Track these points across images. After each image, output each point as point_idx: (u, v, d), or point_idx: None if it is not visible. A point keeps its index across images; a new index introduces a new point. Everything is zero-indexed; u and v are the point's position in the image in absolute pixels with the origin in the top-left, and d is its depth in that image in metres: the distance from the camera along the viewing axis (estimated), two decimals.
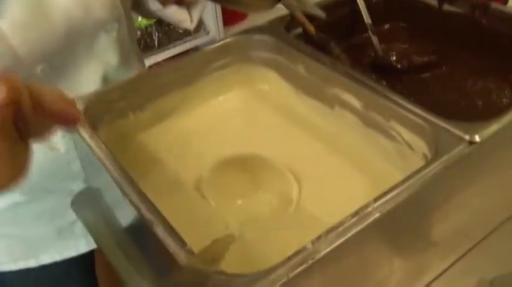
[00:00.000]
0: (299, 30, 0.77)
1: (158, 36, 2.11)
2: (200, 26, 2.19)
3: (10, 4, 0.57)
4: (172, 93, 0.70)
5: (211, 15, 2.14)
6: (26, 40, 0.59)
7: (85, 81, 0.69)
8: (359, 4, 0.82)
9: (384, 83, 0.75)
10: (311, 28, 0.75)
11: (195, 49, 2.33)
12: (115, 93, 0.65)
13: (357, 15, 0.83)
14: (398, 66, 0.76)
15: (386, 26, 0.87)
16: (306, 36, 0.77)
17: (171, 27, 2.13)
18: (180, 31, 2.16)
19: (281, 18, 0.76)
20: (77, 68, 0.68)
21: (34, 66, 0.61)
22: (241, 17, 2.29)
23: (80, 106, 0.61)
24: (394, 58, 0.81)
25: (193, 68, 0.70)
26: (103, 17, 0.67)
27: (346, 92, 0.63)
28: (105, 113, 0.64)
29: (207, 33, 2.20)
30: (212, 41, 2.24)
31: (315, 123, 0.68)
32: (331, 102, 0.66)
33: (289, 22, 0.76)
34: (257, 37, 0.72)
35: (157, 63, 2.03)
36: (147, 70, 0.71)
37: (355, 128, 0.63)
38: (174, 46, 2.14)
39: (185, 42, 2.16)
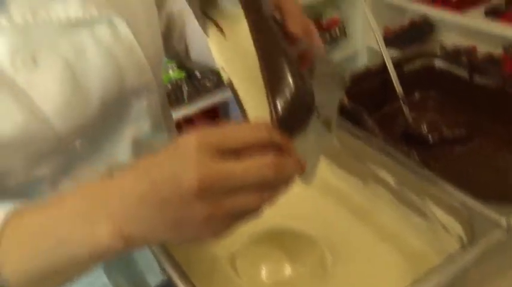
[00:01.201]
0: None
1: (188, 89, 2.16)
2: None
3: (53, 87, 0.59)
4: None
5: None
6: (66, 119, 0.61)
7: (117, 148, 0.71)
8: (390, 74, 0.84)
9: (415, 154, 0.75)
10: (344, 99, 0.77)
11: (224, 103, 2.38)
12: None
13: (388, 84, 0.84)
14: (430, 138, 0.77)
15: (417, 95, 0.89)
16: (339, 105, 0.79)
17: (201, 81, 2.18)
18: (209, 85, 2.20)
19: None
20: (109, 137, 0.70)
21: (72, 141, 0.64)
22: None
23: None
24: (425, 128, 0.81)
25: None
26: (135, 85, 0.69)
27: (380, 168, 0.64)
28: None
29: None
30: None
31: (348, 197, 0.69)
32: (365, 177, 0.66)
33: None
34: None
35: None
36: None
37: (389, 204, 0.63)
38: (203, 100, 2.19)
39: (214, 96, 2.20)
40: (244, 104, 0.49)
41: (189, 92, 2.17)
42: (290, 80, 0.43)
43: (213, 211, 0.38)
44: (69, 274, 0.45)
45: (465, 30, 2.15)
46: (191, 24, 0.79)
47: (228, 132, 0.40)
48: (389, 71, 0.83)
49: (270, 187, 0.40)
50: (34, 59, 0.58)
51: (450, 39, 2.34)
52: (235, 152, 0.39)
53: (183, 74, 2.12)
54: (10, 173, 0.61)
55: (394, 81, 0.83)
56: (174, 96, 2.14)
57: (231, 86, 0.49)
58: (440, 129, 0.80)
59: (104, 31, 0.63)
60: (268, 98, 0.43)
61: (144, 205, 0.40)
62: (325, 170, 0.72)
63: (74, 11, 0.60)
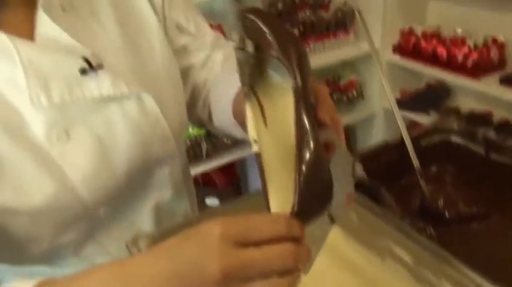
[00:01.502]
0: None
1: (206, 146, 2.21)
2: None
3: (83, 159, 0.63)
4: None
5: None
6: (93, 189, 0.64)
7: (139, 215, 0.74)
8: (408, 148, 0.86)
9: (432, 230, 0.76)
10: (363, 173, 0.79)
11: (241, 160, 2.41)
12: (177, 233, 0.68)
13: (405, 158, 0.87)
14: (447, 215, 0.78)
15: (434, 169, 0.91)
16: (356, 179, 0.81)
17: (219, 138, 2.23)
18: (227, 142, 2.25)
19: None
20: (132, 204, 0.73)
21: (97, 210, 0.67)
22: None
23: (144, 244, 0.65)
24: (442, 203, 0.83)
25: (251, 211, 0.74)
26: (159, 156, 0.72)
27: (397, 245, 0.65)
28: None
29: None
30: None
31: (365, 271, 0.70)
32: (382, 253, 0.68)
33: None
34: None
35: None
36: (212, 209, 0.75)
37: (405, 281, 0.64)
38: (221, 156, 2.22)
39: (232, 153, 2.24)
40: (267, 180, 0.51)
41: (207, 148, 2.21)
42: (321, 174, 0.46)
43: None
44: None
45: (481, 95, 2.18)
46: (216, 93, 0.83)
47: (250, 225, 0.42)
48: (407, 144, 0.85)
49: (287, 274, 0.42)
50: (67, 133, 0.62)
51: (466, 103, 2.38)
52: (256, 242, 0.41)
53: (202, 131, 2.17)
54: (37, 241, 0.64)
55: (411, 155, 0.85)
56: (192, 153, 2.18)
57: (258, 159, 0.51)
58: (457, 205, 0.81)
59: (132, 106, 0.67)
60: (296, 183, 0.45)
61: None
62: (343, 244, 0.73)
63: (106, 88, 0.63)
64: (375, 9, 2.35)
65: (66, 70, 0.60)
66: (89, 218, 0.67)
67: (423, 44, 2.26)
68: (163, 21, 0.77)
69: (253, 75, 0.56)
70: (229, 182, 2.35)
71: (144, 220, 0.75)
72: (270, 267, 0.41)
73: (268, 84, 0.57)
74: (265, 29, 0.51)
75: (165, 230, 0.70)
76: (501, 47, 2.10)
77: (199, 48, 0.83)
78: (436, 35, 2.27)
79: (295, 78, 0.49)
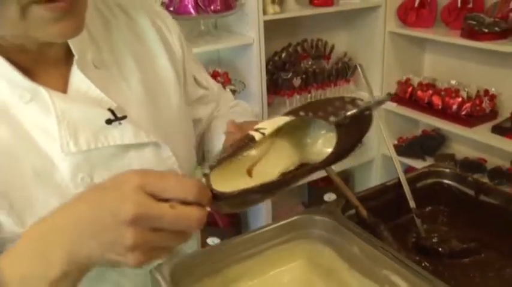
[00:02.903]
0: (353, 211, 0.89)
1: None
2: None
3: None
4: (240, 263, 0.80)
5: None
6: None
7: None
8: (404, 189, 0.94)
9: (427, 264, 0.84)
10: (364, 212, 0.87)
11: None
12: (196, 260, 0.76)
13: (402, 198, 0.95)
14: (440, 250, 0.85)
15: (429, 209, 0.99)
16: (358, 217, 0.89)
17: None
18: None
19: (337, 202, 0.88)
20: None
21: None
22: None
23: (166, 271, 0.72)
24: (436, 240, 0.90)
25: (261, 241, 0.82)
26: None
27: (395, 274, 0.72)
28: (186, 276, 0.74)
29: None
30: None
31: None
32: (381, 281, 0.75)
33: (345, 205, 0.88)
34: (316, 217, 0.84)
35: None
36: (223, 242, 0.82)
37: None
38: None
39: None
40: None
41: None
42: None
43: (139, 240, 0.47)
44: None
45: (474, 143, 2.28)
46: (214, 133, 0.92)
47: (166, 184, 0.49)
48: (404, 187, 0.94)
49: (188, 234, 0.51)
50: (91, 177, 0.68)
51: (460, 150, 2.48)
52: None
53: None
54: None
55: (407, 196, 0.94)
56: None
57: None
58: (450, 242, 0.88)
59: (150, 154, 0.75)
60: None
61: (88, 230, 0.49)
62: (346, 274, 0.81)
63: (128, 137, 0.70)
64: (374, 60, 2.49)
65: (93, 120, 0.67)
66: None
67: (419, 93, 2.37)
68: (183, 74, 0.87)
69: None
70: (230, 223, 2.41)
71: None
72: (177, 225, 0.49)
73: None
74: None
75: (186, 257, 0.78)
76: (493, 98, 2.22)
77: (210, 100, 0.94)
78: (432, 86, 2.39)
79: None
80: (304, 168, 0.65)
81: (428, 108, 2.35)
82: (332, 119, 0.65)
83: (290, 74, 2.28)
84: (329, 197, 2.64)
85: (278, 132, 0.65)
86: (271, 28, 2.10)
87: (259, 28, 2.04)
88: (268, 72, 2.22)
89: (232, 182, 0.56)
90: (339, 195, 0.92)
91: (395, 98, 2.50)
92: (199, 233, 0.96)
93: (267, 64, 2.22)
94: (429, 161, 2.43)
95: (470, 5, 2.22)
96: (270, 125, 0.63)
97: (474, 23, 2.07)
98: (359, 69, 1.03)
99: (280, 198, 2.48)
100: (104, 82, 0.71)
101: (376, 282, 0.76)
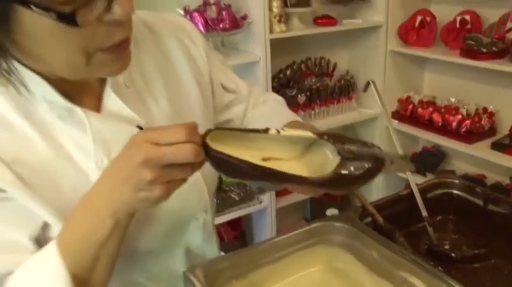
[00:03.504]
0: (369, 219, 0.94)
1: (216, 201, 2.32)
2: (253, 195, 2.40)
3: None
4: (264, 267, 0.85)
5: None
6: (137, 236, 0.75)
7: (173, 257, 0.85)
8: (416, 199, 0.99)
9: (441, 269, 0.88)
10: (380, 219, 0.92)
11: (247, 216, 2.52)
12: (225, 263, 0.81)
13: (414, 208, 1.00)
14: (453, 255, 0.90)
15: (439, 218, 1.04)
16: (374, 224, 0.94)
17: (228, 194, 2.35)
18: (236, 198, 2.37)
19: (355, 209, 0.93)
20: (167, 248, 0.84)
21: (136, 252, 0.78)
22: None
23: (200, 273, 0.77)
24: (447, 247, 0.95)
25: (283, 247, 0.87)
26: (196, 210, 0.84)
27: (413, 276, 0.77)
28: (217, 278, 0.79)
29: (260, 202, 2.40)
30: (264, 210, 2.44)
31: None
32: (399, 283, 0.79)
33: (362, 212, 0.93)
34: (336, 224, 0.89)
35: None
36: (250, 247, 0.86)
37: None
38: (230, 211, 2.33)
39: (240, 209, 2.35)
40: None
41: (217, 204, 2.32)
42: None
43: (155, 175, 0.57)
44: (104, 253, 0.63)
45: (474, 159, 2.34)
46: None
47: (163, 132, 0.59)
48: (416, 197, 0.99)
49: (189, 166, 0.60)
50: None
51: (460, 166, 2.53)
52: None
53: None
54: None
55: (420, 206, 0.99)
56: None
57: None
58: (461, 248, 0.93)
59: None
60: None
61: (116, 182, 0.60)
62: (364, 277, 0.85)
63: None
64: (376, 78, 2.54)
65: (124, 138, 0.68)
66: (129, 258, 0.77)
67: (420, 111, 2.44)
68: (211, 84, 0.90)
69: None
70: (235, 237, 2.45)
71: (177, 260, 0.86)
72: (177, 158, 0.58)
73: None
74: None
75: (217, 260, 0.82)
76: (491, 115, 2.28)
77: (240, 102, 0.96)
78: (432, 103, 2.45)
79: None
80: (294, 173, 0.66)
81: (428, 125, 2.41)
82: (338, 146, 0.67)
83: (295, 91, 2.34)
84: (331, 212, 2.68)
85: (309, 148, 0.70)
86: (276, 46, 2.16)
87: (265, 46, 2.11)
88: (273, 89, 2.28)
89: (228, 149, 0.62)
90: (341, 210, 0.97)
91: (397, 115, 2.56)
92: (217, 241, 1.00)
93: (272, 81, 2.28)
94: (430, 177, 2.48)
95: (468, 26, 2.30)
96: (292, 131, 0.68)
97: (473, 43, 2.15)
98: (372, 86, 1.09)
99: (282, 213, 2.52)
100: (133, 101, 0.75)
101: (394, 283, 0.81)
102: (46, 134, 0.67)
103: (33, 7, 0.53)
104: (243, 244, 2.49)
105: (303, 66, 2.48)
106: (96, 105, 0.72)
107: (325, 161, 0.68)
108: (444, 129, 2.35)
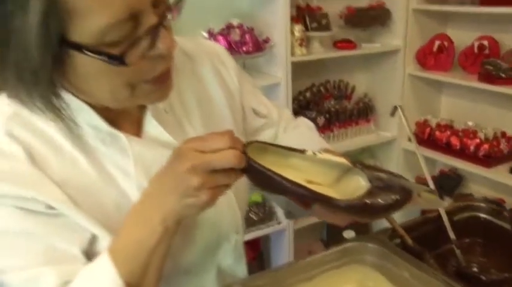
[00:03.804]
0: (398, 240, 0.97)
1: None
2: (272, 215, 2.42)
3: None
4: (300, 285, 0.87)
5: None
6: (173, 257, 0.76)
7: (205, 277, 0.87)
8: (444, 222, 1.01)
9: None
10: (409, 240, 0.94)
11: (266, 237, 2.53)
12: (261, 281, 0.83)
13: (442, 230, 1.02)
14: (483, 278, 0.92)
15: (467, 241, 1.05)
16: (403, 245, 0.96)
17: (247, 214, 2.37)
18: (255, 218, 2.38)
19: (385, 230, 0.96)
20: (202, 269, 0.86)
21: (180, 274, 0.80)
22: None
23: None
24: (476, 270, 0.97)
25: (316, 266, 0.89)
26: (229, 231, 0.86)
27: None
28: None
29: (279, 223, 2.41)
30: (282, 230, 2.46)
31: None
32: None
33: (391, 233, 0.95)
34: (368, 245, 0.91)
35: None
36: (285, 265, 0.88)
37: None
38: (249, 232, 2.35)
39: (258, 229, 2.37)
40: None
41: None
42: None
43: (201, 181, 0.60)
44: (154, 260, 0.66)
45: (492, 183, 2.35)
46: None
47: (206, 140, 0.63)
48: (443, 219, 1.01)
49: (233, 171, 0.63)
50: None
51: (478, 190, 2.54)
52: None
53: None
54: None
55: (447, 228, 1.01)
56: None
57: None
58: (489, 271, 0.95)
59: None
60: None
61: (165, 190, 0.64)
62: None
63: None
64: (393, 101, 2.58)
65: (163, 161, 0.71)
66: (166, 279, 0.77)
67: (437, 134, 2.46)
68: (242, 109, 0.93)
69: None
70: (253, 257, 2.46)
71: (208, 280, 0.88)
72: (222, 163, 0.61)
73: None
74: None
75: (254, 277, 0.85)
76: (510, 140, 2.30)
77: (270, 126, 0.99)
78: (450, 127, 2.47)
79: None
80: (328, 195, 0.68)
81: (446, 148, 2.43)
82: (369, 174, 0.69)
83: (314, 113, 2.37)
84: (348, 234, 2.67)
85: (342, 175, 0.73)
86: (296, 69, 2.21)
87: (287, 69, 2.15)
88: (293, 111, 2.31)
89: (266, 164, 0.65)
90: (358, 232, 0.99)
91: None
92: (245, 263, 1.02)
93: (292, 103, 2.32)
94: (447, 201, 2.49)
95: (486, 51, 2.33)
96: (328, 156, 0.71)
97: (491, 68, 2.18)
98: (399, 111, 1.12)
99: (299, 234, 2.53)
100: (171, 126, 0.79)
101: None
102: (91, 158, 0.71)
103: (86, 52, 0.57)
104: (260, 265, 2.50)
105: (322, 88, 2.52)
106: (136, 130, 0.76)
107: (356, 189, 0.69)
108: (462, 153, 2.36)
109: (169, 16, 0.63)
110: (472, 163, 2.32)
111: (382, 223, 0.95)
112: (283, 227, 2.43)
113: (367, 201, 0.67)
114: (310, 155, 0.69)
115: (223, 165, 0.61)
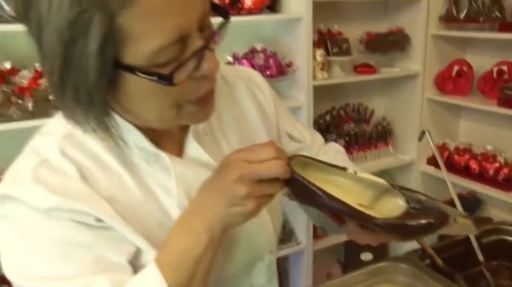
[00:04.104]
0: (428, 261, 0.99)
1: None
2: (292, 236, 2.44)
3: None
4: None
5: (303, 228, 2.40)
6: (216, 280, 0.77)
7: None
8: (473, 244, 1.04)
9: None
10: (439, 261, 0.97)
11: (284, 257, 2.55)
12: None
13: (470, 252, 1.04)
14: None
15: (495, 263, 1.08)
16: (433, 266, 0.98)
17: None
18: None
19: (415, 251, 0.98)
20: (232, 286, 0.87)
21: None
22: None
23: None
24: None
25: (351, 284, 0.92)
26: (263, 251, 0.87)
27: None
28: None
29: (298, 243, 2.43)
30: (302, 251, 2.47)
31: None
32: None
33: (422, 254, 0.98)
34: (398, 264, 0.94)
35: None
36: (320, 285, 0.91)
37: None
38: None
39: (278, 249, 2.37)
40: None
41: None
42: None
43: (249, 190, 0.63)
44: (200, 269, 0.67)
45: (510, 207, 2.36)
46: None
47: (253, 151, 0.66)
48: (472, 242, 1.03)
49: (278, 181, 0.66)
50: None
51: (498, 214, 2.54)
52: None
53: None
54: None
55: (476, 251, 1.03)
56: None
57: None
58: None
59: None
60: None
61: (212, 200, 0.66)
62: None
63: None
64: (412, 125, 2.62)
65: (203, 181, 0.74)
66: None
67: (456, 157, 2.48)
68: (277, 133, 0.95)
69: None
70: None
71: None
72: (268, 173, 0.64)
73: None
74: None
75: None
76: None
77: (304, 150, 1.00)
78: (468, 151, 2.49)
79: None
80: (366, 212, 0.70)
81: (464, 172, 2.45)
82: (407, 195, 0.72)
83: (334, 136, 2.41)
84: (365, 256, 2.70)
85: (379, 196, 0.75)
86: (316, 92, 2.25)
87: (308, 92, 2.19)
88: None
89: (308, 178, 0.68)
90: (375, 255, 1.00)
91: (432, 161, 2.60)
92: (277, 283, 1.04)
93: (312, 126, 2.36)
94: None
95: (505, 76, 2.36)
96: (368, 175, 0.73)
97: (511, 92, 2.21)
98: (427, 135, 1.15)
99: (317, 255, 2.54)
100: (210, 147, 0.82)
101: None
102: (136, 176, 0.74)
103: (138, 73, 0.61)
104: (279, 285, 2.51)
105: (342, 112, 2.56)
106: (177, 150, 0.79)
107: (393, 210, 0.71)
108: (481, 177, 2.38)
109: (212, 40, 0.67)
110: (492, 186, 2.33)
111: (401, 246, 0.97)
112: (302, 248, 2.44)
113: (406, 222, 0.70)
114: (351, 173, 0.72)
115: (269, 175, 0.64)
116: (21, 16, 0.62)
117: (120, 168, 0.73)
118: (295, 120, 1.05)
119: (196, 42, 0.64)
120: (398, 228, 0.70)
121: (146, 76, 0.61)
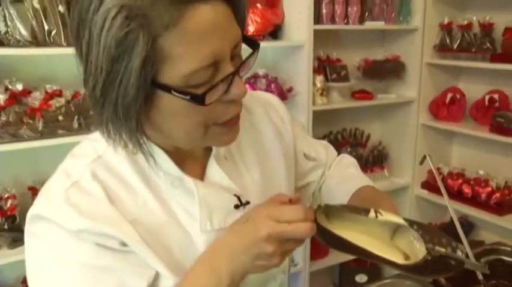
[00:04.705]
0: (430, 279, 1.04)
1: None
2: (290, 257, 2.47)
3: None
4: None
5: (301, 249, 2.44)
6: None
7: None
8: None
9: None
10: (442, 280, 1.02)
11: (293, 275, 2.57)
12: None
13: (468, 271, 1.09)
14: None
15: (493, 282, 1.13)
16: (436, 283, 1.03)
17: None
18: None
19: None
20: None
21: None
22: (326, 252, 2.59)
23: None
24: None
25: None
26: (276, 272, 0.89)
27: None
28: None
29: (295, 265, 2.47)
30: (298, 273, 2.51)
31: None
32: None
33: None
34: (404, 281, 0.99)
35: None
36: None
37: None
38: None
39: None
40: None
41: None
42: None
43: (276, 249, 0.68)
44: None
45: (504, 231, 2.42)
46: (331, 189, 1.06)
47: (283, 211, 0.70)
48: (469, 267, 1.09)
49: (303, 240, 0.71)
50: None
51: (490, 238, 2.60)
52: None
53: None
54: None
55: (476, 271, 1.08)
56: None
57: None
58: None
59: None
60: None
61: (239, 250, 0.70)
62: None
63: None
64: (406, 149, 2.70)
65: (224, 205, 0.80)
66: None
67: (449, 182, 2.55)
68: (294, 155, 0.99)
69: None
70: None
71: None
72: (295, 235, 0.69)
73: None
74: None
75: None
76: None
77: (319, 167, 1.06)
78: (461, 175, 2.57)
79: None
80: (389, 258, 0.77)
81: (457, 196, 2.51)
82: (430, 246, 0.77)
83: None
84: (360, 278, 2.74)
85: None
86: (315, 117, 2.31)
87: (308, 117, 2.26)
88: None
89: (333, 222, 0.74)
90: (370, 276, 1.05)
91: (426, 185, 2.67)
92: None
93: None
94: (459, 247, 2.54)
95: (496, 104, 2.45)
96: (388, 215, 0.78)
97: (502, 120, 2.29)
98: (428, 160, 1.21)
99: (313, 276, 2.58)
100: (230, 171, 0.85)
101: None
102: (160, 198, 0.77)
103: (173, 92, 0.65)
104: None
105: (339, 136, 2.63)
106: (198, 173, 0.82)
107: (410, 247, 0.78)
108: (474, 201, 2.44)
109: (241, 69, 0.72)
110: (484, 210, 2.40)
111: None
112: (299, 269, 2.48)
113: (422, 268, 0.76)
114: (371, 217, 0.77)
115: (296, 236, 0.69)
116: (73, 34, 0.66)
117: (145, 190, 0.76)
118: (310, 138, 1.09)
119: (228, 68, 0.68)
120: (415, 272, 0.77)
121: (180, 95, 0.65)
